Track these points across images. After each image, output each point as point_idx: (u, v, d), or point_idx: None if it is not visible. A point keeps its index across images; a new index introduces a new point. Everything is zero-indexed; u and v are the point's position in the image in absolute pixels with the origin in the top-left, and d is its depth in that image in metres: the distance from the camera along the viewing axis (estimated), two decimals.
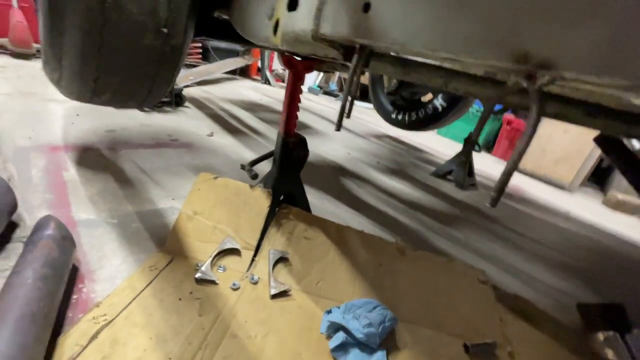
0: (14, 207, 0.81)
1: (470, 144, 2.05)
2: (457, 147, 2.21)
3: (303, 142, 0.98)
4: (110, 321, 0.63)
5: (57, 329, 0.60)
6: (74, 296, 0.68)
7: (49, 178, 1.07)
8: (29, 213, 0.88)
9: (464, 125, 3.57)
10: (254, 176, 0.96)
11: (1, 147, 1.18)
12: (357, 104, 4.78)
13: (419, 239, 1.32)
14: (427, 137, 3.68)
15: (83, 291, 0.70)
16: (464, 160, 2.07)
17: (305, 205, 1.05)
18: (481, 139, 2.07)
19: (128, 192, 1.11)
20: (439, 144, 3.52)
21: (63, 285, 0.63)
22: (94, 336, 0.60)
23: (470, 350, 0.78)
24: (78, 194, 1.03)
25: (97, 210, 0.98)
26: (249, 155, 1.71)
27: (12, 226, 0.82)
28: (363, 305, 0.77)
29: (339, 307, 0.78)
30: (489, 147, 3.98)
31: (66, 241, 0.70)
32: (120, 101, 1.08)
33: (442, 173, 2.19)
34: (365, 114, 4.18)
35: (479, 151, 2.36)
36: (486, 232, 1.56)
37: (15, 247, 0.75)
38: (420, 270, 0.97)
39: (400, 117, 2.53)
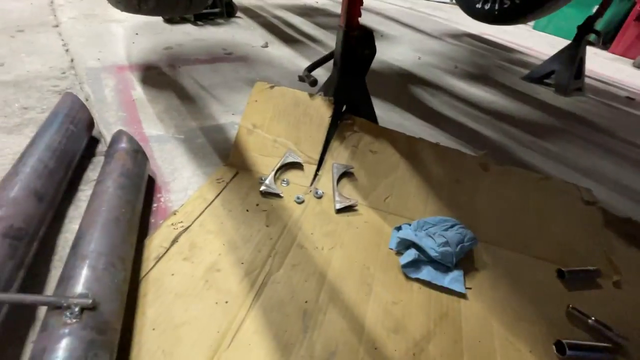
0: (91, 123, 0.85)
1: (586, 32, 1.57)
2: (559, 45, 1.72)
3: (369, 37, 0.81)
4: (187, 227, 0.66)
5: (144, 233, 0.65)
6: (154, 205, 0.73)
7: (119, 97, 1.11)
8: (107, 129, 0.93)
9: (573, 12, 2.76)
10: (313, 82, 0.85)
11: (76, 68, 1.24)
12: None
13: (505, 153, 1.13)
14: (519, 34, 2.98)
15: (161, 200, 0.74)
16: (573, 55, 1.62)
17: (371, 115, 0.93)
18: (600, 27, 1.56)
19: (190, 108, 1.11)
20: (536, 42, 2.83)
21: (141, 194, 0.67)
22: (175, 240, 0.64)
23: (565, 276, 0.67)
24: (146, 111, 1.06)
25: (165, 127, 1.00)
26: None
27: (95, 142, 0.88)
28: (438, 223, 0.70)
29: (409, 224, 0.72)
30: (604, 42, 3.09)
31: (138, 154, 0.72)
32: (167, 8, 1.00)
33: (539, 76, 1.78)
34: (440, 10, 3.49)
35: (599, 43, 1.82)
36: (593, 145, 1.28)
37: (100, 160, 0.81)
38: (506, 187, 0.84)
39: (488, 5, 2.01)
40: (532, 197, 0.83)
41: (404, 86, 1.54)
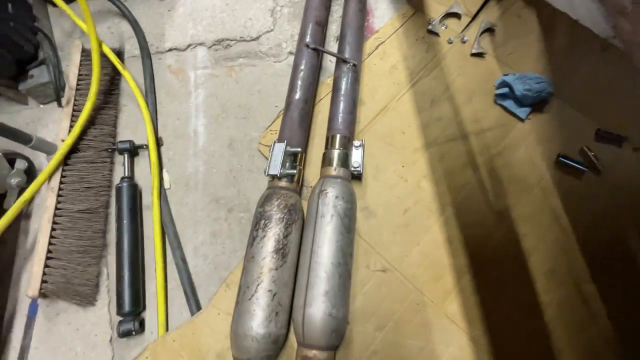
0: None
1: None
2: None
3: None
4: (384, 41, 1.22)
5: None
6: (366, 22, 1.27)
7: None
8: None
9: None
10: None
11: None
12: None
13: None
14: None
15: (369, 20, 1.28)
16: None
17: None
18: None
19: None
20: None
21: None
22: (376, 47, 1.21)
23: (599, 133, 1.06)
24: None
25: None
26: None
27: None
28: (533, 78, 1.09)
29: (514, 74, 1.13)
30: None
31: None
32: None
33: None
34: None
35: None
36: None
37: None
38: (614, 71, 1.09)
39: None
40: None
41: None
